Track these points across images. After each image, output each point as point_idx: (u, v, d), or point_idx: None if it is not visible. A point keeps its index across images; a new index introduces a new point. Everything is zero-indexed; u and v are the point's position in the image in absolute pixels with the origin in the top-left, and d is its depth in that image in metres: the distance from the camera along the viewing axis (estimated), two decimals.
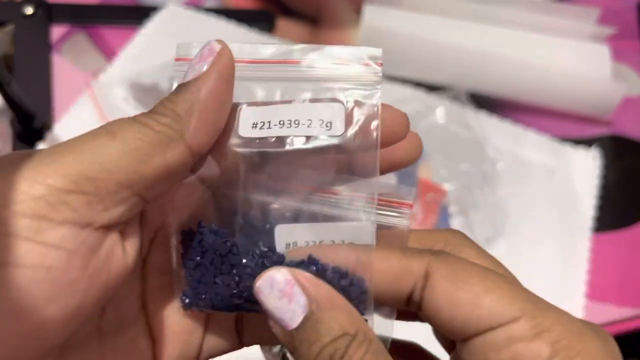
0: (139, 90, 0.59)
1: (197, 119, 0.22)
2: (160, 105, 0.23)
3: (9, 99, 0.54)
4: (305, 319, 0.22)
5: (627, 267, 0.54)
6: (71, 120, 0.58)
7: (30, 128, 0.57)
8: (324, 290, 0.23)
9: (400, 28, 0.62)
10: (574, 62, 0.62)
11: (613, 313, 0.51)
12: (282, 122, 0.24)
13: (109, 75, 0.61)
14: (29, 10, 0.64)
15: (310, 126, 0.24)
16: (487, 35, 0.63)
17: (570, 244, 0.54)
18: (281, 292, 0.22)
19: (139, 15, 0.66)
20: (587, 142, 0.61)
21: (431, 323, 0.24)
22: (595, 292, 0.52)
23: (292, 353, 0.22)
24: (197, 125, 0.22)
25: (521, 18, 0.64)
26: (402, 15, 0.64)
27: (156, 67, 0.60)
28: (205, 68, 0.23)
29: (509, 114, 0.62)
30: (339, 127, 0.24)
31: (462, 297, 0.23)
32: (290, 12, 0.69)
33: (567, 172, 0.59)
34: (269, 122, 0.24)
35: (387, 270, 0.24)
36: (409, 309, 0.24)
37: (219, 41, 0.24)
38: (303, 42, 0.66)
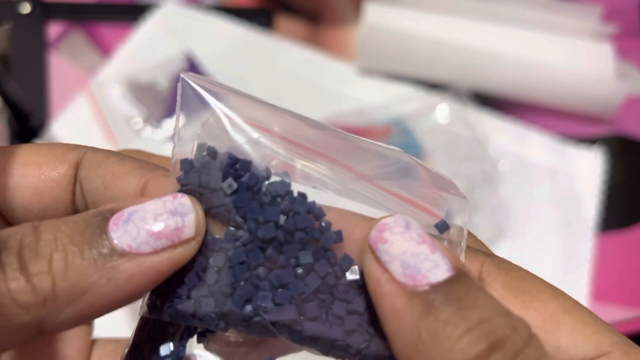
0: (137, 88, 0.58)
1: (76, 313, 0.16)
2: (36, 259, 0.16)
3: (5, 98, 0.53)
4: (454, 279, 0.16)
5: (630, 267, 0.54)
6: (68, 119, 0.57)
7: (27, 127, 0.57)
8: (467, 266, 0.17)
9: (401, 26, 0.61)
10: (576, 60, 0.61)
11: (617, 313, 0.51)
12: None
13: (106, 73, 0.60)
14: (26, 8, 0.64)
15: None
16: (489, 34, 0.62)
17: (573, 244, 0.53)
18: (420, 237, 0.16)
19: (136, 13, 0.65)
20: (589, 141, 0.61)
21: None
22: (599, 292, 0.51)
23: (401, 314, 0.15)
24: (70, 318, 0.16)
25: (523, 16, 0.64)
26: (402, 13, 0.63)
27: (154, 65, 0.60)
28: (144, 251, 0.17)
29: (510, 112, 0.62)
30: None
31: (534, 317, 0.17)
32: (289, 10, 0.69)
33: (569, 171, 0.58)
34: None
35: None
36: None
37: (198, 219, 0.17)
38: (302, 40, 0.65)
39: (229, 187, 0.18)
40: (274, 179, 0.19)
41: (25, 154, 0.20)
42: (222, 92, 0.20)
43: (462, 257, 0.18)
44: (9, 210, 0.20)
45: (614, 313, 0.51)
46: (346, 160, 0.19)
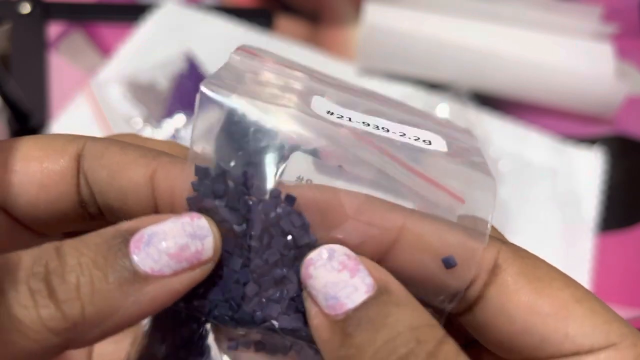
0: (137, 88, 0.58)
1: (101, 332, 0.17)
2: (63, 284, 0.16)
3: (5, 98, 0.53)
4: (371, 299, 0.16)
5: (631, 266, 0.54)
6: (68, 119, 0.57)
7: (27, 127, 0.57)
8: (392, 279, 0.17)
9: (401, 26, 0.61)
10: (576, 60, 0.61)
11: (620, 314, 0.51)
12: (366, 123, 0.19)
13: (106, 73, 0.60)
14: (26, 8, 0.64)
15: (404, 136, 0.20)
16: (489, 34, 0.62)
17: (573, 244, 0.53)
18: (342, 264, 0.17)
19: (136, 13, 0.65)
20: (589, 141, 0.61)
21: (482, 332, 0.19)
22: (599, 292, 0.51)
23: (326, 345, 0.17)
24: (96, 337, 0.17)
25: (524, 16, 0.64)
26: (403, 13, 0.63)
27: (154, 66, 0.60)
28: (166, 272, 0.17)
29: (510, 112, 0.62)
30: (440, 145, 0.20)
31: (545, 304, 0.18)
32: (289, 10, 0.69)
33: (569, 171, 0.58)
34: (350, 117, 0.20)
35: (441, 251, 0.18)
36: (447, 307, 0.19)
37: (215, 241, 0.18)
38: (302, 40, 0.65)
39: (244, 206, 0.19)
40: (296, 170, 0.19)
41: (25, 148, 0.20)
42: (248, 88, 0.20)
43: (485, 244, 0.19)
44: (15, 207, 0.20)
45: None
46: (374, 138, 0.19)
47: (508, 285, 0.18)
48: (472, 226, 0.19)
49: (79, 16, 0.65)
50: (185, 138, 0.55)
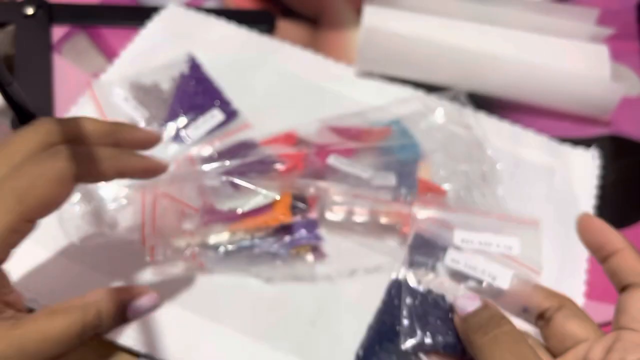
0: (140, 90, 0.59)
1: None
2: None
3: (9, 100, 0.54)
4: (478, 310, 0.38)
5: None
6: None
7: None
8: (493, 305, 0.39)
9: (400, 29, 0.62)
10: (573, 62, 0.62)
11: (612, 313, 0.51)
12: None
13: (109, 75, 0.61)
14: (30, 10, 0.65)
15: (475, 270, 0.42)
16: (487, 36, 0.63)
17: (570, 244, 0.54)
18: (470, 297, 0.39)
19: (139, 16, 0.66)
20: (586, 143, 0.62)
21: (550, 333, 0.40)
22: (595, 291, 0.52)
23: (462, 327, 0.38)
24: None
25: (520, 18, 0.64)
26: (402, 15, 0.64)
27: (157, 67, 0.61)
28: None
29: (508, 114, 0.63)
30: (503, 283, 0.41)
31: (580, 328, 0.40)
32: (290, 13, 0.69)
33: (566, 172, 0.59)
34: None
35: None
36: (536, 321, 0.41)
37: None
38: (303, 43, 0.66)
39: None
40: None
41: None
42: None
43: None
44: None
45: (608, 312, 0.51)
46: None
47: (563, 315, 0.40)
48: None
49: (82, 18, 0.66)
50: (187, 139, 0.56)
